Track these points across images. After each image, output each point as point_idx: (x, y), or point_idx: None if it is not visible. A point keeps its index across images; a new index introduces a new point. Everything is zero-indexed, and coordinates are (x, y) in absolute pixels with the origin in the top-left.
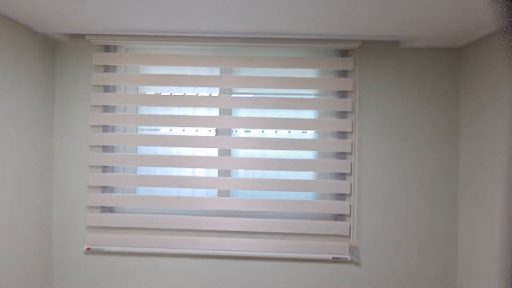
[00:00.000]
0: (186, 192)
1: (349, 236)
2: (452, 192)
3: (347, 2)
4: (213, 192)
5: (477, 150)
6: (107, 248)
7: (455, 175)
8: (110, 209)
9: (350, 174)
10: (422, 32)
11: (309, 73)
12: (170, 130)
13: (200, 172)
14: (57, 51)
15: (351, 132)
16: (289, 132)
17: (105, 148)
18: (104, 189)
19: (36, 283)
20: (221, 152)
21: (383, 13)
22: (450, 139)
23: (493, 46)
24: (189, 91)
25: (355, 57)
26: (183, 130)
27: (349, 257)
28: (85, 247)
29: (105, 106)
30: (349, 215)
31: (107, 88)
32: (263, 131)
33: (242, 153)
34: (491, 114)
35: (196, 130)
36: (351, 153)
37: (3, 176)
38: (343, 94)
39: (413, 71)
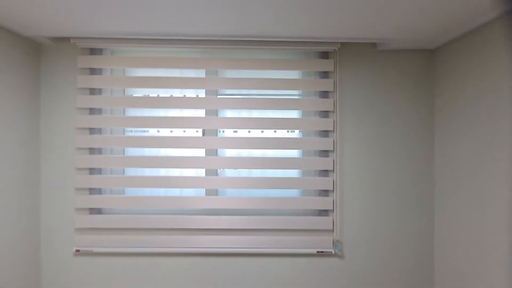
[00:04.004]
0: (174, 192)
1: (332, 231)
2: (429, 187)
3: (327, 7)
4: (201, 192)
5: (451, 146)
6: (96, 249)
7: (431, 170)
8: (98, 211)
9: (333, 171)
10: (397, 35)
11: (292, 74)
12: (158, 131)
13: (188, 172)
14: (42, 54)
15: (332, 131)
16: (275, 131)
17: (92, 150)
18: (92, 190)
19: (25, 286)
20: (208, 152)
21: (360, 18)
22: (425, 135)
23: (464, 47)
24: (176, 93)
25: (335, 59)
26: (171, 131)
27: (333, 251)
28: (74, 248)
29: (91, 109)
30: (332, 210)
31: (92, 91)
32: (249, 131)
33: (228, 152)
34: (462, 109)
35: (184, 131)
36: (333, 151)
37: None
38: (324, 94)
39: (389, 71)
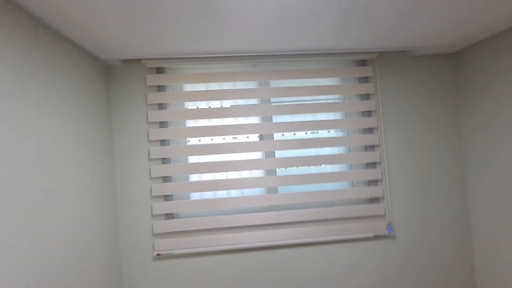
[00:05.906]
0: (235, 193)
1: (384, 216)
2: (461, 173)
3: (367, 24)
4: (260, 190)
5: (476, 138)
6: (175, 252)
7: (462, 160)
8: (172, 216)
9: (380, 163)
10: (424, 43)
11: (334, 81)
12: (211, 139)
13: (247, 174)
14: (111, 74)
15: (377, 128)
16: (317, 132)
17: (164, 160)
18: (166, 197)
19: None
20: (267, 154)
21: (395, 31)
22: (454, 131)
23: (483, 51)
24: (232, 103)
25: (373, 65)
26: (223, 139)
27: (387, 233)
28: (155, 253)
29: (161, 122)
30: (383, 198)
31: (161, 106)
32: (294, 134)
33: (280, 153)
34: (484, 103)
35: (235, 137)
36: (379, 145)
37: (70, 195)
38: (366, 96)
39: (419, 74)
